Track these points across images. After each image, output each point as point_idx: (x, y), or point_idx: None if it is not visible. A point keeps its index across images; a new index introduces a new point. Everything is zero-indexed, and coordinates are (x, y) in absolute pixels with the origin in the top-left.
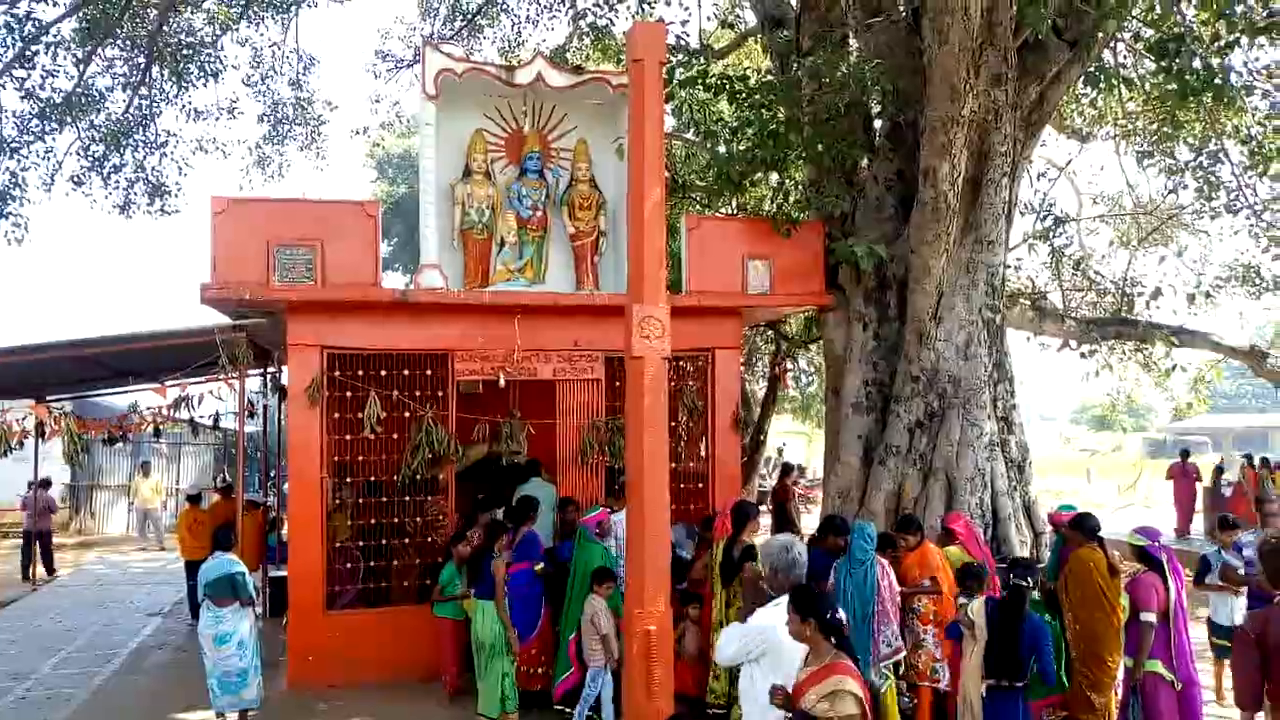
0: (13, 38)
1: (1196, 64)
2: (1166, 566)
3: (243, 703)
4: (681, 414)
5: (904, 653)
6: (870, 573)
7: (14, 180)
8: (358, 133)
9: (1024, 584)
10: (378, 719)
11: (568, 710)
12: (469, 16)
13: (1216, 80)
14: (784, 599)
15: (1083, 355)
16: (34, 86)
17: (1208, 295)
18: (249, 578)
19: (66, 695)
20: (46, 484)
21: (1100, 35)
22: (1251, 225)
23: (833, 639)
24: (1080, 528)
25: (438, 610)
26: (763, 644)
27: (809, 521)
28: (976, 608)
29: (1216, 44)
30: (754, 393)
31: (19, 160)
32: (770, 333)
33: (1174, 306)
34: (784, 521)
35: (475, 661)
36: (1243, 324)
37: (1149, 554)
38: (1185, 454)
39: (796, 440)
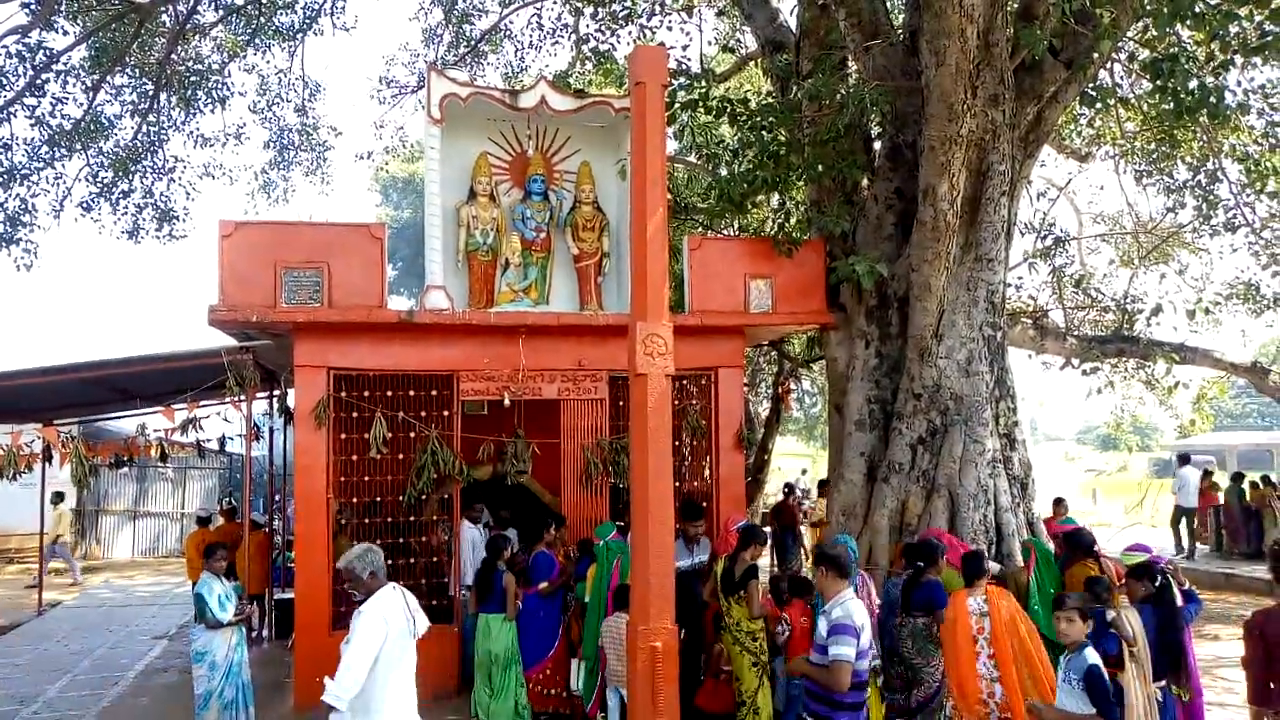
0: (24, 66)
1: (1192, 84)
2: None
3: None
4: (685, 433)
5: (878, 661)
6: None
7: (24, 206)
8: (362, 158)
9: (1170, 581)
10: None
11: None
12: (472, 43)
13: (1212, 99)
14: (381, 593)
15: (1085, 373)
16: (44, 114)
17: (1208, 311)
18: (216, 598)
19: (74, 717)
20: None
21: (1096, 56)
22: (1251, 243)
23: None
24: (1074, 544)
25: None
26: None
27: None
28: (1133, 618)
29: (1211, 64)
30: (758, 414)
31: (29, 187)
32: (773, 353)
33: (1175, 324)
34: (790, 542)
35: (479, 677)
36: (1245, 341)
37: (1152, 567)
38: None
39: (800, 462)
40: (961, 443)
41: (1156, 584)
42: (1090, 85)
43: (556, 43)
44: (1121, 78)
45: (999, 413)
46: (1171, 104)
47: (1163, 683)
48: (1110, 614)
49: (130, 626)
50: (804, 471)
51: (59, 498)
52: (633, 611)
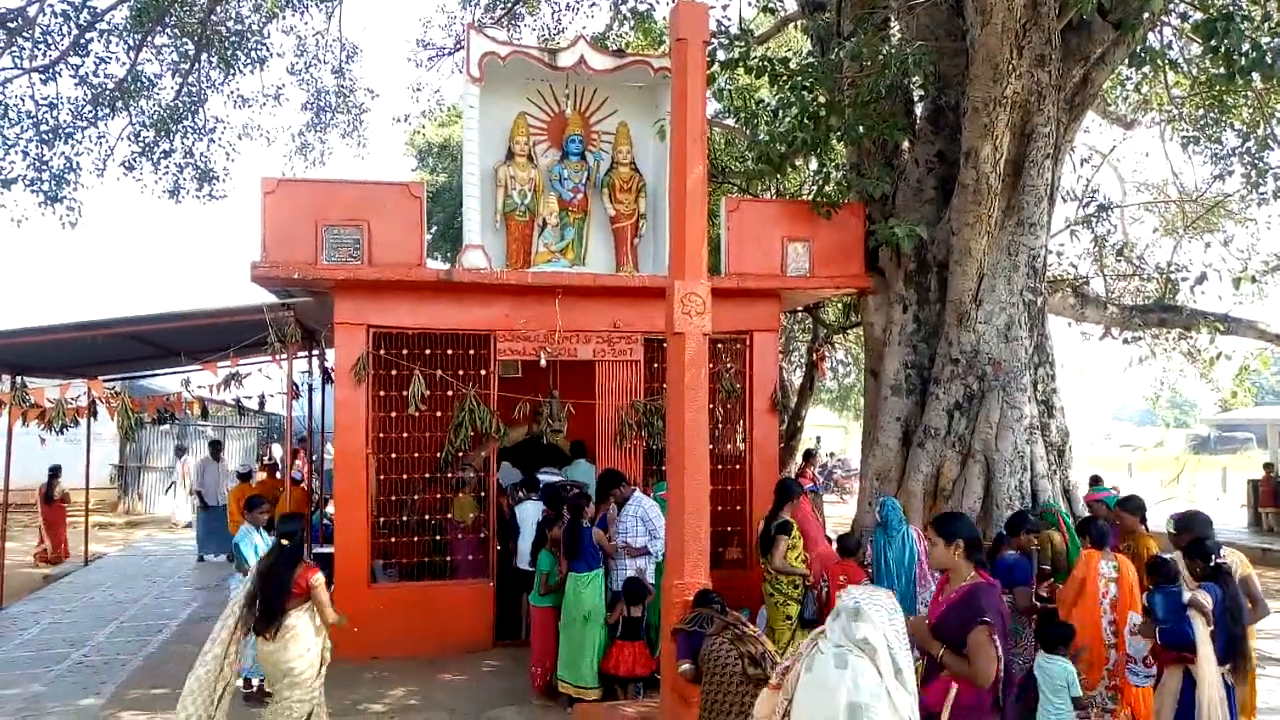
0: (69, 26)
1: (1245, 45)
2: None
3: (243, 670)
4: (719, 396)
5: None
6: (908, 540)
7: (69, 165)
8: (398, 121)
9: (1224, 562)
10: (423, 688)
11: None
12: (509, 5)
13: (1267, 60)
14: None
15: (1125, 342)
16: (88, 73)
17: (1254, 279)
18: (253, 548)
19: (121, 661)
20: None
21: (1146, 16)
22: None
23: None
24: (1130, 509)
25: (538, 601)
26: None
27: (844, 511)
28: (1206, 598)
29: (1267, 24)
30: (791, 383)
31: (73, 145)
32: (808, 320)
33: (1219, 293)
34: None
35: (564, 636)
36: None
37: (1204, 544)
38: None
39: (833, 432)
40: (999, 408)
41: (1212, 562)
42: (1139, 47)
43: (594, 4)
44: (1171, 39)
45: (1037, 379)
46: (1223, 66)
47: (1228, 665)
48: (1187, 595)
49: (173, 578)
50: (818, 439)
51: (182, 451)
52: (668, 566)
